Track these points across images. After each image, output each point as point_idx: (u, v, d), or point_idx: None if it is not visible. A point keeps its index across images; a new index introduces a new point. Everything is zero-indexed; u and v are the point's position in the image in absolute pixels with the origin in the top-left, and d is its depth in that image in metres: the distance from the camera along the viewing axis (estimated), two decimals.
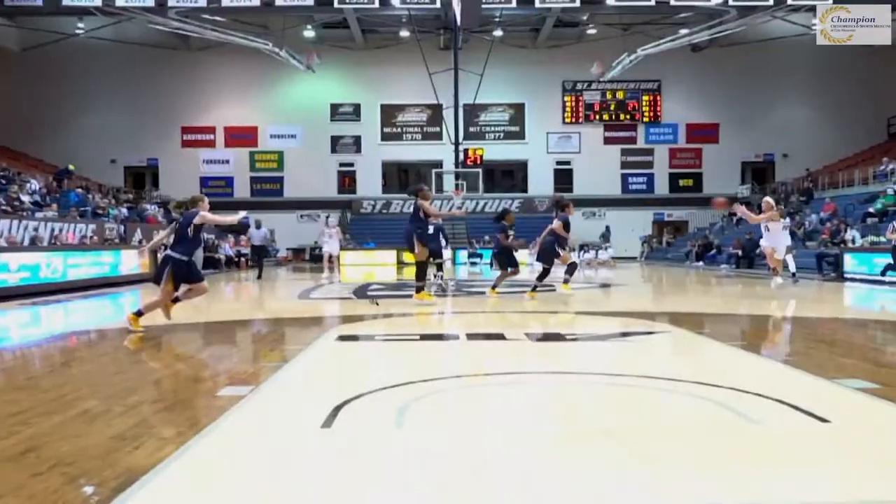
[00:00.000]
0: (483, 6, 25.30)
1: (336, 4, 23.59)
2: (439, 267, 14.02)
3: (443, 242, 14.42)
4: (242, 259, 26.83)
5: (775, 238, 12.88)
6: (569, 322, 9.45)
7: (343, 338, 6.94)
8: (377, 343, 7.01)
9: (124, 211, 25.19)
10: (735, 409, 4.02)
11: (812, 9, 25.91)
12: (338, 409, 4.05)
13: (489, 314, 9.85)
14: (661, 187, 36.02)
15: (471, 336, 7.45)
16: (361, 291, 14.21)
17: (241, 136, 36.22)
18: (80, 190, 24.23)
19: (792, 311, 10.69)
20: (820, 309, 11.09)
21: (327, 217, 26.88)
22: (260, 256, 20.40)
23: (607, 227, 32.48)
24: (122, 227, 21.48)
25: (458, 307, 11.29)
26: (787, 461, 3.13)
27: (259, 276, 19.28)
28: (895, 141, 32.86)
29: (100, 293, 14.64)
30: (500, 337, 7.33)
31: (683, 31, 30.19)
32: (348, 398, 4.31)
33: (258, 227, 19.51)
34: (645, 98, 36.35)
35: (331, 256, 20.73)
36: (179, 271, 7.69)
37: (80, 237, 18.46)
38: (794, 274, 14.45)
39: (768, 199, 13.04)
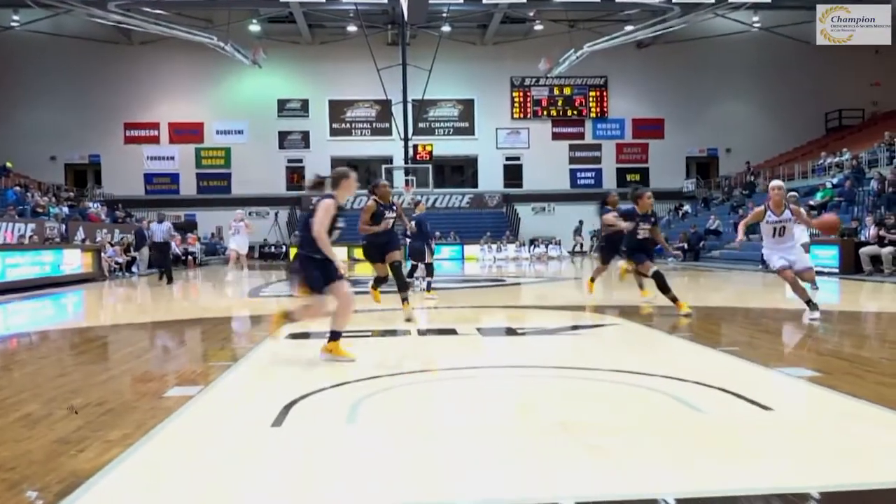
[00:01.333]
0: (430, 2, 25.25)
1: None
2: (429, 270, 11.72)
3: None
4: (190, 258, 26.27)
5: (789, 244, 8.01)
6: (520, 316, 9.53)
7: (294, 335, 6.87)
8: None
9: (65, 209, 24.47)
10: (682, 398, 4.12)
11: (752, 6, 26.57)
12: (288, 407, 4.02)
13: (442, 310, 9.87)
14: (609, 182, 36.54)
15: (422, 332, 7.46)
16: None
17: (187, 132, 35.49)
18: (17, 188, 23.44)
19: (736, 303, 10.97)
20: (764, 299, 11.41)
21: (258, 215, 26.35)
22: (165, 256, 16.91)
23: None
24: (63, 226, 20.87)
25: (411, 302, 11.28)
26: (732, 449, 3.21)
27: (169, 281, 16.18)
28: (832, 136, 33.93)
29: (41, 294, 14.21)
30: (452, 332, 7.35)
31: (629, 28, 30.65)
32: (299, 396, 4.27)
33: (160, 220, 16.67)
34: (592, 94, 36.79)
35: (238, 255, 17.67)
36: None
37: (18, 237, 17.87)
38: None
39: (777, 182, 8.03)
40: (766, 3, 24.53)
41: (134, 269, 21.58)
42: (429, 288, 11.51)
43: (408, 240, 11.73)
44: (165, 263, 16.70)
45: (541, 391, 4.57)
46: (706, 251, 25.51)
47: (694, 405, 3.98)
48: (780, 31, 32.06)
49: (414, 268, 12.10)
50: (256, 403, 4.28)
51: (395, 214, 8.51)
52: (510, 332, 7.71)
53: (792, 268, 7.76)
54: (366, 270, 11.35)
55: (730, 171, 34.56)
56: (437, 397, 4.58)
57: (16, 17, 29.87)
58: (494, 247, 31.10)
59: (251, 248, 34.36)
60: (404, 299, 8.18)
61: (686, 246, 25.45)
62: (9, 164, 25.84)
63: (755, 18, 31.14)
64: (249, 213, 35.16)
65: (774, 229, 7.77)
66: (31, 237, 18.24)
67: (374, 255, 8.44)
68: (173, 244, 26.05)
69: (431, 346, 6.73)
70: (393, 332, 7.50)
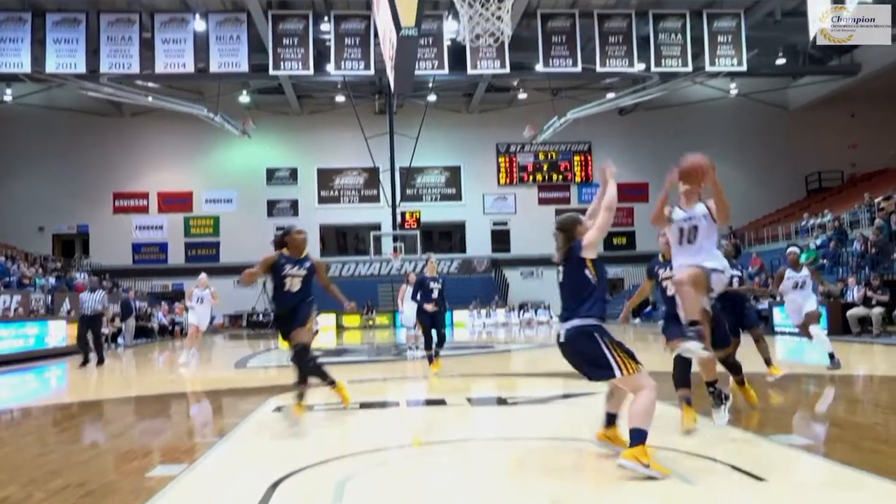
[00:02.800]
0: (416, 73, 25.86)
1: (271, 71, 23.71)
2: (440, 340, 10.49)
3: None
4: (177, 327, 26.01)
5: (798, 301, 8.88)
6: (510, 384, 9.45)
7: (281, 408, 6.76)
8: (316, 413, 6.82)
9: (52, 280, 24.31)
10: (674, 470, 4.06)
11: (728, 75, 27.33)
12: (275, 485, 3.93)
13: (430, 378, 9.77)
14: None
15: (411, 403, 7.37)
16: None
17: (176, 202, 35.66)
18: (2, 259, 23.32)
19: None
20: (753, 361, 11.37)
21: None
22: (95, 334, 13.55)
23: None
24: (49, 298, 20.69)
25: (396, 371, 11.17)
26: None
27: (99, 362, 13.32)
28: (814, 197, 34.49)
29: (25, 367, 13.98)
30: (442, 403, 7.27)
31: (610, 96, 31.38)
32: (286, 473, 4.19)
33: (92, 289, 13.66)
34: (577, 159, 37.43)
35: (198, 332, 13.37)
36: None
37: (3, 309, 17.68)
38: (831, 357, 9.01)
39: (794, 249, 9.18)
40: (741, 72, 25.27)
41: (120, 339, 21.35)
42: (435, 356, 10.30)
43: (417, 304, 10.39)
44: (96, 342, 13.60)
45: (532, 465, 4.50)
46: None
47: (686, 477, 3.92)
48: (757, 96, 32.96)
49: (428, 338, 10.38)
50: (242, 483, 4.18)
51: (304, 273, 6.30)
52: (501, 401, 7.62)
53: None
54: (354, 339, 11.26)
55: None
56: (425, 472, 4.49)
57: (9, 91, 30.26)
58: (483, 312, 31.03)
59: (237, 318, 34.41)
60: (300, 395, 6.20)
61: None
62: None
63: (732, 85, 31.99)
64: (237, 282, 35.10)
65: (796, 283, 8.85)
66: (16, 309, 18.04)
67: (281, 327, 6.51)
68: (160, 314, 25.86)
69: (420, 417, 6.64)
70: (382, 405, 7.39)
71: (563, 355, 4.33)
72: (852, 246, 20.80)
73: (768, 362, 7.29)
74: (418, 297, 10.36)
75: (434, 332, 10.32)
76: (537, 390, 8.16)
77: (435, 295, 10.27)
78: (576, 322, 4.20)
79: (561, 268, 4.46)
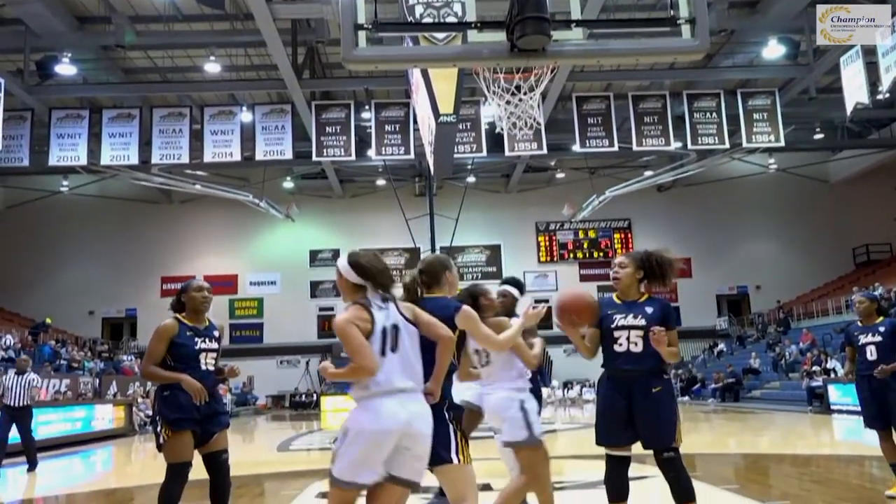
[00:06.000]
0: (455, 156, 26.42)
1: (314, 158, 24.40)
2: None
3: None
4: None
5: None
6: (557, 468, 9.21)
7: (324, 494, 6.69)
8: (361, 500, 6.73)
9: (100, 364, 24.76)
10: None
11: (767, 150, 27.30)
12: None
13: (475, 461, 9.56)
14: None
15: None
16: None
17: (221, 284, 36.27)
18: (53, 343, 23.89)
19: (783, 449, 10.55)
20: (811, 444, 10.96)
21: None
22: (23, 426, 10.59)
23: None
24: (97, 381, 21.04)
25: None
26: None
27: (30, 466, 10.49)
28: (862, 270, 33.71)
29: (71, 451, 14.11)
30: (488, 488, 7.11)
31: (648, 173, 31.48)
32: None
33: (19, 371, 10.62)
34: (617, 236, 37.35)
35: None
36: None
37: (53, 392, 18.00)
38: None
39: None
40: (779, 147, 25.22)
41: None
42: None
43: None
44: (24, 437, 10.56)
45: None
46: (745, 391, 24.82)
47: None
48: (797, 171, 32.79)
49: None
50: None
51: (216, 347, 4.96)
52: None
53: None
54: None
55: (761, 307, 34.23)
56: None
57: (65, 183, 31.65)
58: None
59: (280, 398, 34.40)
60: None
61: (722, 385, 24.83)
62: (48, 321, 26.52)
63: (771, 160, 31.91)
64: (280, 363, 35.27)
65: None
66: (65, 393, 18.36)
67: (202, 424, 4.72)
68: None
69: None
70: (426, 490, 7.25)
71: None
72: None
73: None
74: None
75: None
76: (586, 473, 7.94)
77: None
78: None
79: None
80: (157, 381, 4.77)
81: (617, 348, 4.21)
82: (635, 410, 4.14)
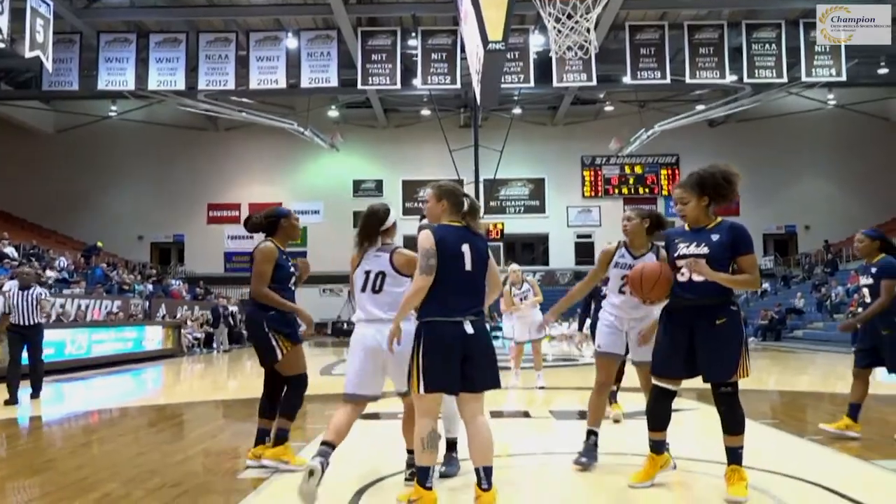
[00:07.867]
0: (502, 86, 25.94)
1: (359, 86, 24.19)
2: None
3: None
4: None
5: None
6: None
7: (365, 416, 6.84)
8: (399, 422, 6.88)
9: (149, 287, 25.47)
10: (772, 493, 3.89)
11: (826, 85, 26.20)
12: (360, 492, 3.98)
13: (511, 390, 9.70)
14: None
15: (494, 414, 7.33)
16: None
17: None
18: (105, 266, 24.58)
19: (823, 387, 10.44)
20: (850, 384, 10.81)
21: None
22: (33, 346, 9.32)
23: None
24: (146, 303, 21.68)
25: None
26: None
27: (34, 394, 9.20)
28: None
29: (123, 369, 14.68)
30: (526, 415, 7.21)
31: (700, 108, 30.57)
32: (370, 481, 4.23)
33: (23, 286, 9.15)
34: (663, 172, 36.59)
35: None
36: None
37: (105, 313, 18.63)
38: None
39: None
40: (840, 82, 24.14)
41: (213, 344, 22.09)
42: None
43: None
44: (31, 359, 9.36)
45: (618, 482, 4.39)
46: (788, 331, 24.54)
47: (786, 501, 3.75)
48: (857, 107, 31.46)
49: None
50: (327, 489, 4.24)
51: (299, 273, 5.37)
52: (583, 415, 7.49)
53: None
54: None
55: (809, 248, 33.48)
56: (507, 486, 4.45)
57: (113, 108, 31.99)
58: (565, 325, 30.64)
59: (322, 325, 35.10)
60: (279, 439, 4.82)
61: (767, 324, 24.57)
62: (100, 244, 27.25)
63: (830, 96, 30.66)
64: (323, 291, 35.86)
65: None
66: (116, 314, 18.98)
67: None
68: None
69: (504, 429, 6.59)
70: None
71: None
72: None
73: None
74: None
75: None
76: (623, 405, 7.97)
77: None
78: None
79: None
80: (271, 303, 4.94)
81: (680, 278, 4.09)
82: (697, 342, 3.97)
